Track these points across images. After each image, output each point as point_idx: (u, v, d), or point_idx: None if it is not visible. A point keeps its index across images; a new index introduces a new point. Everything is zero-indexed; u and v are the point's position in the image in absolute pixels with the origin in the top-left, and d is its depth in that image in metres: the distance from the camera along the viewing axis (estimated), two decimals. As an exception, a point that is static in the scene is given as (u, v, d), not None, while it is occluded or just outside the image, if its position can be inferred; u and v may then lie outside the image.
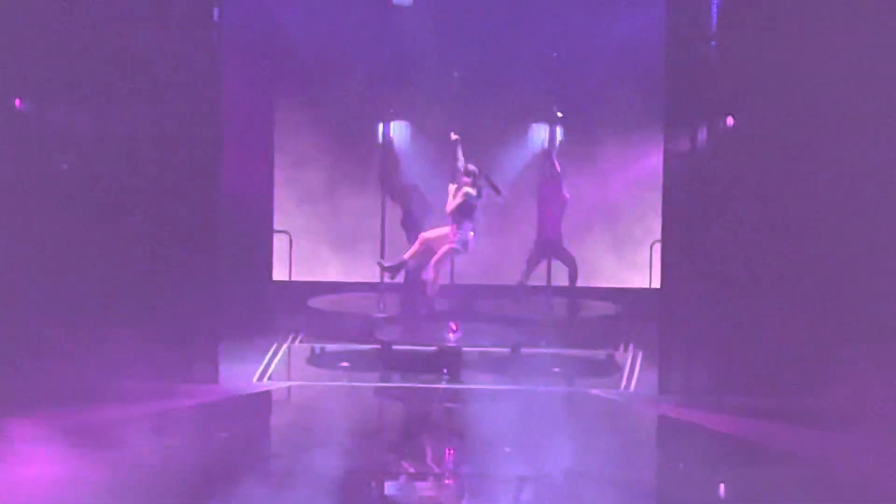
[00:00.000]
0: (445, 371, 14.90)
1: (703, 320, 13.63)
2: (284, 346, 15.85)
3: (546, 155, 16.88)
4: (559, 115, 16.64)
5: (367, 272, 17.21)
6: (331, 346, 15.93)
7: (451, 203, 15.06)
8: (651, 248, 17.02)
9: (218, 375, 14.00)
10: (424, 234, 15.32)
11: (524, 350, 15.39)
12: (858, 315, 13.03)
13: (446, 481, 11.49)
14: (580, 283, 16.94)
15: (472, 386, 14.60)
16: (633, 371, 14.97)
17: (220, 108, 14.07)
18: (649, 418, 13.67)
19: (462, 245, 15.06)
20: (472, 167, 15.09)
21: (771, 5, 13.30)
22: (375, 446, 12.71)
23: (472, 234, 15.07)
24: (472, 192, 14.98)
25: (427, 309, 15.64)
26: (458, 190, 15.06)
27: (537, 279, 16.93)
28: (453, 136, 15.28)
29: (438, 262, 15.16)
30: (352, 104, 17.45)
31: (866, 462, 11.40)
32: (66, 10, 13.52)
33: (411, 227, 16.44)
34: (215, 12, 13.84)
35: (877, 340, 12.92)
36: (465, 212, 15.05)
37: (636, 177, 17.41)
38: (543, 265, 17.09)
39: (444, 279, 15.83)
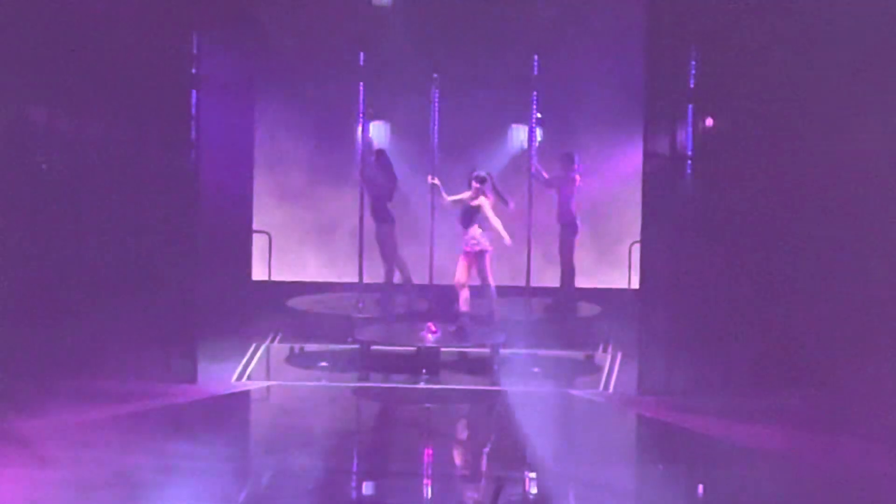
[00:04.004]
0: (424, 371, 14.89)
1: (682, 321, 13.64)
2: (263, 346, 15.82)
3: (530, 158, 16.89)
4: (538, 115, 16.64)
5: (347, 272, 17.18)
6: (310, 346, 15.93)
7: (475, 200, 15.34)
8: (630, 248, 17.03)
9: (196, 375, 14.00)
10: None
11: (504, 350, 15.39)
12: (837, 315, 13.07)
13: (424, 481, 11.48)
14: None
15: (450, 386, 14.59)
16: (613, 371, 14.98)
17: (199, 107, 14.09)
18: (628, 418, 13.68)
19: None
20: (482, 173, 15.31)
21: (753, 2, 13.35)
22: (353, 446, 12.72)
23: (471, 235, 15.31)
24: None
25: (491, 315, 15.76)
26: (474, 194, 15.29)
27: (518, 279, 16.92)
28: (431, 180, 15.40)
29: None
30: (331, 104, 17.45)
31: (843, 461, 11.45)
32: (47, 11, 13.53)
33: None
34: (192, 10, 13.82)
35: (855, 340, 12.98)
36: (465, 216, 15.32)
37: (616, 176, 17.42)
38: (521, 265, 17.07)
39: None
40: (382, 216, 16.58)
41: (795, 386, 12.90)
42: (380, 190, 16.63)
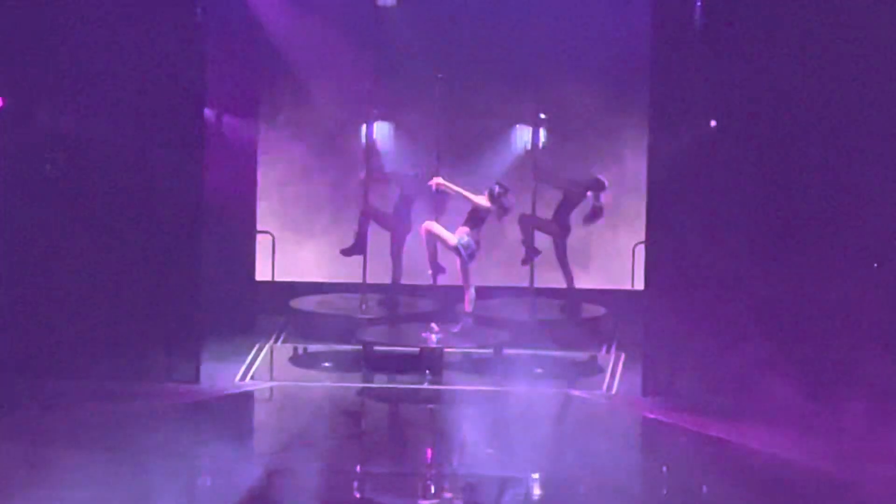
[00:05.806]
0: (427, 372, 14.88)
1: (686, 322, 13.62)
2: (267, 347, 15.81)
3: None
4: (542, 116, 16.61)
5: (351, 272, 17.15)
6: (313, 347, 15.90)
7: (475, 198, 15.12)
8: (634, 249, 17.00)
9: (200, 375, 13.98)
10: (430, 226, 15.27)
11: (507, 351, 15.36)
12: (843, 317, 13.07)
13: (427, 482, 11.47)
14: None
15: (454, 387, 14.57)
16: (616, 373, 14.96)
17: (203, 107, 14.09)
18: (632, 420, 13.66)
19: (463, 248, 15.07)
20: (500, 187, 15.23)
21: (757, 4, 13.33)
22: (355, 446, 12.72)
23: (466, 239, 15.07)
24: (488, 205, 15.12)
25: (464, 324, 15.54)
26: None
27: (522, 280, 16.88)
28: (435, 181, 15.32)
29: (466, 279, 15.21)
30: (335, 104, 17.43)
31: (848, 464, 11.44)
32: (49, 9, 13.55)
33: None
34: (198, 12, 13.83)
35: (861, 342, 12.99)
36: (472, 220, 15.11)
37: (620, 178, 17.40)
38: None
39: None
40: (406, 217, 16.59)
41: (803, 388, 12.90)
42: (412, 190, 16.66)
